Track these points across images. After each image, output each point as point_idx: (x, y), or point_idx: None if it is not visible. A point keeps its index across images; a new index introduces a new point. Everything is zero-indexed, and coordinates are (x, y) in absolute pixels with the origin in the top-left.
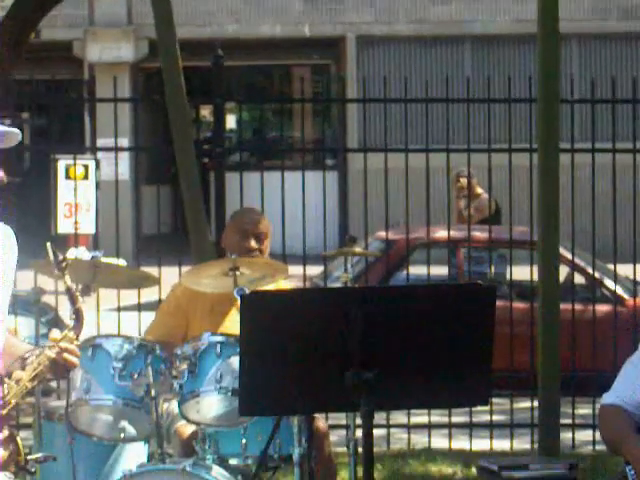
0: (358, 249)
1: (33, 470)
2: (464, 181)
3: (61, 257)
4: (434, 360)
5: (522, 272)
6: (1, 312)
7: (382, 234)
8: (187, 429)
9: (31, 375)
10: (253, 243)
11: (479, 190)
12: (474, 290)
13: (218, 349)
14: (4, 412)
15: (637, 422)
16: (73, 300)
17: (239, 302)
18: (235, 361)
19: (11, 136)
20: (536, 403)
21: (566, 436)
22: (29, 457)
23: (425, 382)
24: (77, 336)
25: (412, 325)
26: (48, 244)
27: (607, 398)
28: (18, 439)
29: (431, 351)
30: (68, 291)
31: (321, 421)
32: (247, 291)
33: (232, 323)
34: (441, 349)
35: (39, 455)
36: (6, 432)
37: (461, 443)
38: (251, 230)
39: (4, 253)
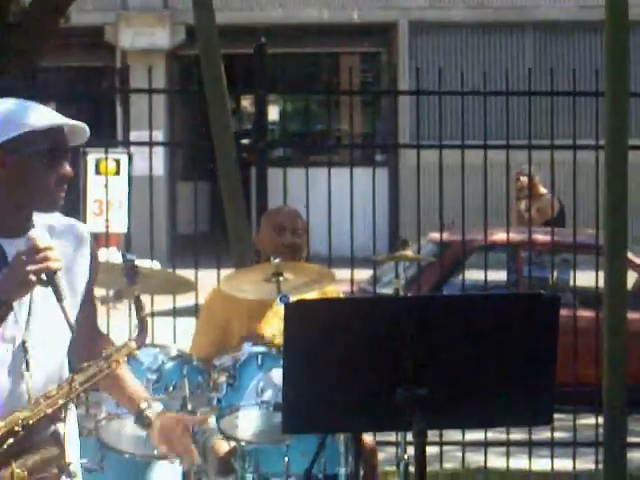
0: (410, 253)
1: (74, 476)
2: (524, 180)
3: (132, 260)
4: (492, 376)
5: (587, 278)
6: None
7: (436, 236)
8: (224, 445)
9: (84, 380)
10: (290, 238)
11: (542, 189)
12: (536, 301)
13: (259, 360)
14: (49, 410)
15: None
16: (139, 308)
17: (282, 310)
18: (277, 373)
19: (77, 130)
20: (601, 420)
21: (634, 456)
22: (80, 461)
23: (482, 400)
24: (139, 347)
25: (468, 338)
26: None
27: None
28: (65, 441)
29: (489, 366)
30: (136, 299)
31: (368, 437)
32: (291, 299)
33: (271, 330)
34: (500, 364)
35: (85, 461)
36: (51, 429)
37: (520, 462)
38: (287, 225)
39: (72, 259)
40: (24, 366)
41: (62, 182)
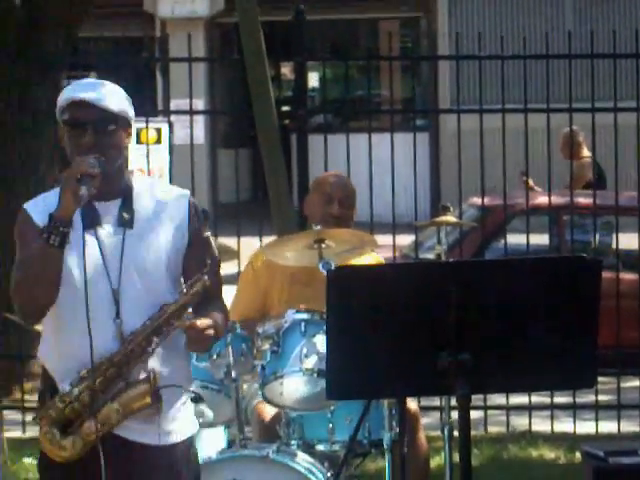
0: (452, 219)
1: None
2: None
3: (203, 209)
4: (535, 339)
5: (630, 240)
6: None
7: (477, 200)
8: (267, 409)
9: (168, 316)
10: (337, 209)
11: (585, 152)
12: (579, 264)
13: (302, 327)
14: (132, 347)
15: None
16: (207, 247)
17: (324, 276)
18: (320, 340)
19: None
20: None
21: None
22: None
23: (525, 363)
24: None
25: (511, 302)
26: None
27: None
28: (156, 376)
29: (532, 330)
30: (206, 239)
31: (412, 403)
32: (333, 265)
33: (314, 297)
34: (542, 327)
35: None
36: (144, 366)
37: (564, 426)
38: (335, 195)
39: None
40: (114, 314)
41: (82, 150)
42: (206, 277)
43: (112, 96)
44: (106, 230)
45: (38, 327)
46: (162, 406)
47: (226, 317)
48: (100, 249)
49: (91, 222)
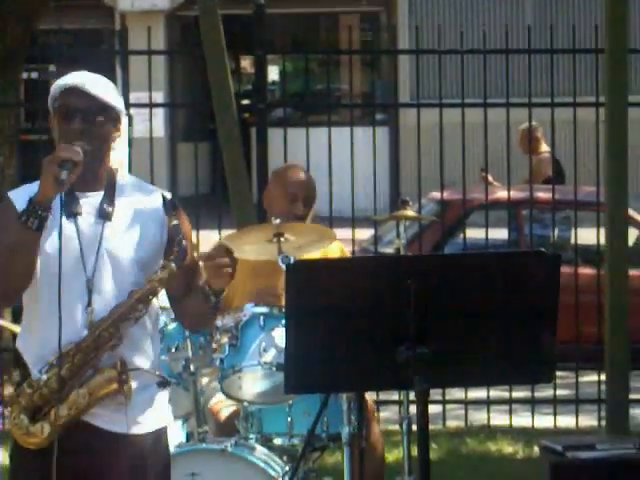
0: (411, 213)
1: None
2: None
3: (171, 200)
4: (493, 334)
5: (588, 235)
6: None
7: (436, 195)
8: (223, 410)
9: (133, 303)
10: (302, 208)
11: (544, 147)
12: (538, 258)
13: (261, 321)
14: (99, 333)
15: None
16: (175, 233)
17: (284, 270)
18: (279, 334)
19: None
20: (603, 377)
21: (636, 412)
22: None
23: (484, 358)
24: (178, 267)
25: (470, 296)
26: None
27: None
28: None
29: (490, 325)
30: (173, 227)
31: (368, 396)
32: (292, 259)
33: (275, 290)
34: (501, 323)
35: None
36: (112, 352)
37: (523, 420)
38: (300, 194)
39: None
40: (86, 302)
41: (69, 137)
42: (173, 264)
43: (104, 88)
44: (86, 220)
45: (15, 328)
46: (130, 393)
47: None
48: (79, 238)
49: (71, 211)
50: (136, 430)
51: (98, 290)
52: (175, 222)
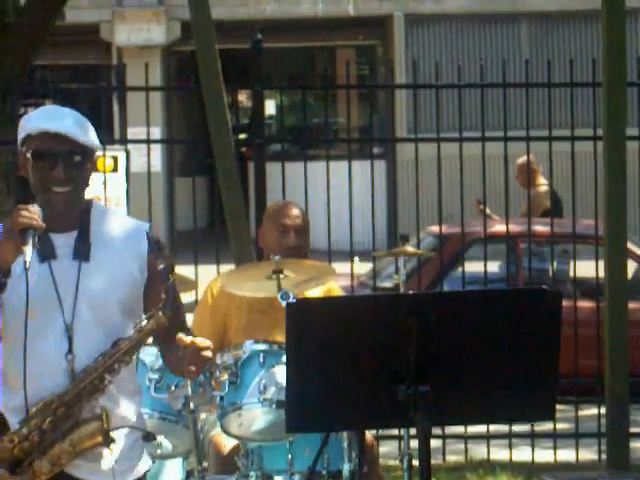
0: (410, 249)
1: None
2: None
3: (158, 239)
4: (494, 371)
5: (587, 269)
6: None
7: (435, 229)
8: (225, 441)
9: (120, 354)
10: (294, 240)
11: (541, 180)
12: (539, 296)
13: (261, 358)
14: (84, 385)
15: None
16: (162, 280)
17: (283, 305)
18: (279, 371)
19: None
20: (603, 410)
21: (636, 446)
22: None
23: (485, 395)
24: (166, 315)
25: (471, 333)
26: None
27: None
28: (108, 413)
29: (491, 362)
30: (159, 272)
31: (368, 432)
32: (292, 295)
33: (273, 326)
34: (502, 359)
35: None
36: (94, 403)
37: (523, 454)
38: (291, 225)
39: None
40: (67, 350)
41: (46, 182)
42: (160, 313)
43: (82, 127)
44: (61, 262)
45: None
46: (114, 446)
47: None
48: (54, 282)
49: (45, 254)
50: (121, 478)
51: (78, 336)
52: (162, 265)
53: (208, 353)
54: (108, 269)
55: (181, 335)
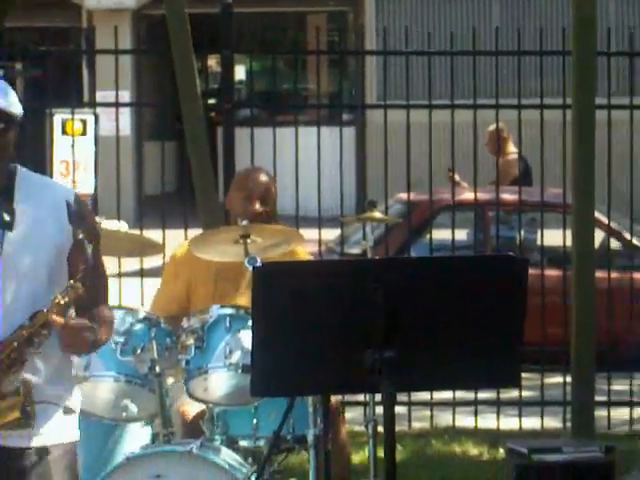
0: (378, 215)
1: (31, 422)
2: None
3: (77, 208)
4: (460, 338)
5: (555, 237)
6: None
7: (403, 196)
8: (190, 410)
9: (33, 329)
10: (259, 206)
11: (511, 148)
12: (506, 263)
13: (227, 322)
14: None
15: None
16: (82, 250)
17: (250, 272)
18: (245, 335)
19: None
20: (569, 379)
21: (601, 414)
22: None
23: (450, 361)
24: (85, 286)
25: (437, 300)
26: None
27: None
28: (29, 388)
29: (457, 328)
30: (79, 242)
31: (333, 397)
32: (259, 260)
33: (239, 292)
34: (468, 326)
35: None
36: (15, 377)
37: (488, 422)
38: (257, 192)
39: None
40: None
41: None
42: (79, 284)
43: (3, 94)
44: None
45: None
46: (33, 422)
47: (111, 325)
48: None
49: None
50: (40, 442)
51: (3, 306)
52: (81, 236)
53: (87, 334)
54: (32, 238)
55: (55, 317)
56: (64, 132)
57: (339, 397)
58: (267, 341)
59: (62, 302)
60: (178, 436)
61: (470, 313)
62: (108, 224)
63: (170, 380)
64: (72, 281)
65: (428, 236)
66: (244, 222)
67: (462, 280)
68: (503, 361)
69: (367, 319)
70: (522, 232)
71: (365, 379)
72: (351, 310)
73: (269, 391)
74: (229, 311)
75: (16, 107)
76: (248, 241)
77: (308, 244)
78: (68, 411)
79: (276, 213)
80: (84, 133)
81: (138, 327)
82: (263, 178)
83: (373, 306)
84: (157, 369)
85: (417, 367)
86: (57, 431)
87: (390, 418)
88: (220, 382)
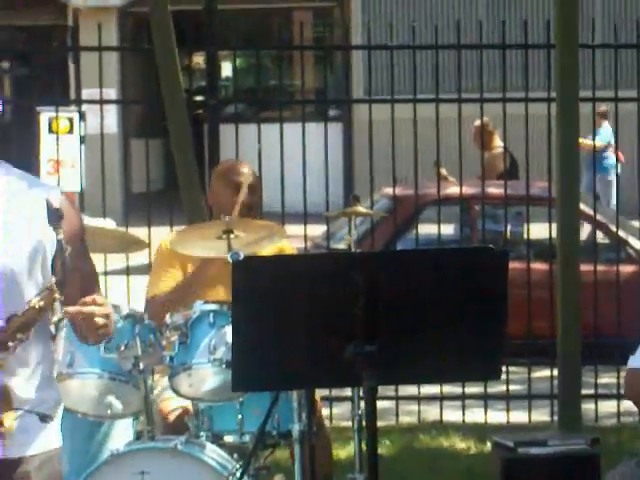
0: (362, 209)
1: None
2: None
3: (56, 208)
4: (442, 331)
5: (540, 230)
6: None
7: (389, 191)
8: (173, 409)
9: (15, 328)
10: (247, 196)
11: (497, 142)
12: (486, 255)
13: (211, 318)
14: None
15: None
16: (60, 251)
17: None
18: (229, 331)
19: None
20: (556, 372)
21: (588, 407)
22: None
23: (433, 355)
24: (61, 288)
25: (418, 293)
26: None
27: (635, 361)
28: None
29: (439, 321)
30: (57, 243)
31: (315, 393)
32: (242, 255)
33: (224, 288)
34: (450, 318)
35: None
36: None
37: (475, 416)
38: (243, 182)
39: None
40: None
41: None
42: (55, 287)
43: None
44: None
45: None
46: (13, 429)
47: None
48: None
49: None
50: (16, 453)
51: None
52: (60, 237)
53: (100, 320)
54: (15, 238)
55: (67, 307)
56: (50, 130)
57: (321, 393)
58: (248, 336)
59: (37, 306)
60: (163, 432)
61: (451, 306)
62: (93, 222)
63: (156, 377)
64: (48, 284)
65: (414, 231)
66: (227, 218)
67: (443, 273)
68: (485, 354)
69: (349, 313)
70: (508, 226)
71: (348, 373)
72: (332, 304)
73: (249, 386)
74: (213, 307)
75: None
76: (231, 236)
77: (294, 240)
78: (45, 418)
79: (260, 208)
80: (70, 131)
81: (122, 324)
82: (248, 169)
83: (354, 300)
84: (141, 366)
85: (398, 360)
86: (35, 440)
87: (372, 412)
88: (204, 378)
